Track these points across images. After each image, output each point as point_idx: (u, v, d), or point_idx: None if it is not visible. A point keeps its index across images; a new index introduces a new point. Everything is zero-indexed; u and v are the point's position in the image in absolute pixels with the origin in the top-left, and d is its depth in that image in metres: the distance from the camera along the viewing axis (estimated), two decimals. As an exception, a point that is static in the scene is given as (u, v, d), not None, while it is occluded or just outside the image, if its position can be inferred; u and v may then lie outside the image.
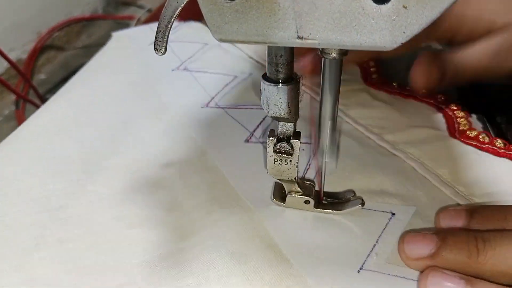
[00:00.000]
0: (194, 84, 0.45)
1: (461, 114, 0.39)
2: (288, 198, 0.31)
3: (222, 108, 0.42)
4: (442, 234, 0.27)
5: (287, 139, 0.28)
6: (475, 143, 0.36)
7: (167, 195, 0.33)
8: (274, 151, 0.28)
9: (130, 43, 0.53)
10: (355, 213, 0.30)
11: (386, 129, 0.38)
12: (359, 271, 0.27)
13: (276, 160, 0.28)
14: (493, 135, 0.39)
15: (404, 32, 0.19)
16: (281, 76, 0.24)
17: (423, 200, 0.32)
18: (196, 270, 0.28)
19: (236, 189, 0.33)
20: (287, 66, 0.24)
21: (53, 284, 0.28)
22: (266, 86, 0.25)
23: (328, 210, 0.31)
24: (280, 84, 0.25)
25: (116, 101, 0.43)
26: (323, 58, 0.24)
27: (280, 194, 0.32)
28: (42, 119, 0.42)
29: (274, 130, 0.28)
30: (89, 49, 0.63)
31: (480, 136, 0.36)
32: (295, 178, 0.29)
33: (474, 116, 0.41)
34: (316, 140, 0.28)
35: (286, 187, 0.31)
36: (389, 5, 0.19)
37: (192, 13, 0.58)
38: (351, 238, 0.29)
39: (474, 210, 0.29)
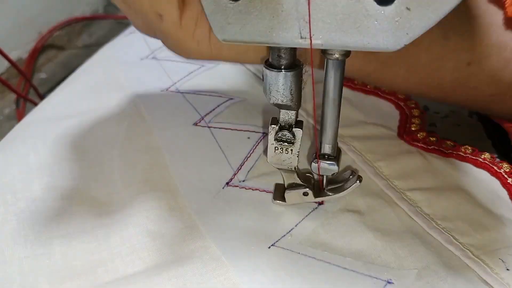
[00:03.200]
0: (159, 71, 0.46)
1: (417, 113, 0.40)
2: (286, 195, 0.30)
3: (181, 92, 0.42)
4: None
5: (288, 127, 0.27)
6: (420, 145, 0.36)
7: (105, 170, 0.34)
8: (275, 139, 0.27)
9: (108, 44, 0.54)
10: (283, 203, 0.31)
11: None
12: (269, 247, 0.28)
13: (277, 148, 0.28)
14: (492, 138, 0.39)
15: (407, 34, 0.19)
16: (283, 62, 0.24)
17: (354, 190, 0.32)
18: (113, 245, 0.29)
19: (171, 173, 0.33)
20: (290, 52, 0.24)
21: None
22: (268, 72, 0.24)
23: (328, 196, 0.30)
24: (283, 71, 0.24)
25: (92, 93, 0.43)
26: (325, 59, 0.24)
27: (280, 194, 0.31)
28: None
29: (276, 118, 0.27)
30: (90, 49, 0.63)
31: (428, 138, 0.37)
32: (295, 168, 0.29)
33: (475, 117, 0.41)
34: (317, 138, 0.28)
35: (286, 178, 0.30)
36: (392, 6, 0.19)
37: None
38: (271, 220, 0.30)
39: None
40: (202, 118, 0.38)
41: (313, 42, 0.20)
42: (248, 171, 0.34)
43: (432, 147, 0.36)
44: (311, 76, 0.24)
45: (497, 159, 0.34)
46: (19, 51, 0.60)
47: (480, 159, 0.34)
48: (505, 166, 0.33)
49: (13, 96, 0.55)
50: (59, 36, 0.66)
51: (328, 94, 0.25)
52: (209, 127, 0.37)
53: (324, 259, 0.28)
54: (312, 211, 0.31)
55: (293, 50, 0.24)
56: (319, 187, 0.31)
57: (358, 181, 0.29)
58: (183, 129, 0.37)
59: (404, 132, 0.38)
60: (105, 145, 0.36)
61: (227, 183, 0.33)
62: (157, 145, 0.36)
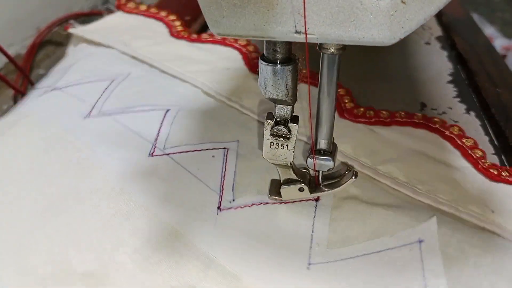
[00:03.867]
0: (69, 99, 0.40)
1: (344, 92, 0.41)
2: (282, 191, 0.30)
3: (109, 115, 0.37)
4: None
5: (284, 122, 0.27)
6: (363, 120, 0.38)
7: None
8: (271, 134, 0.27)
9: None
10: (287, 206, 0.31)
11: None
12: (308, 267, 0.27)
13: (272, 143, 0.28)
14: (491, 133, 0.39)
15: (402, 28, 0.19)
16: (279, 56, 0.23)
17: None
18: (106, 264, 0.28)
19: (157, 216, 0.30)
20: (285, 46, 0.23)
21: None
22: (263, 67, 0.24)
23: (323, 192, 0.30)
24: (279, 65, 0.24)
25: None
26: (321, 53, 0.24)
27: (276, 189, 0.31)
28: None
29: (272, 113, 0.27)
30: (88, 45, 0.63)
31: (367, 112, 0.38)
32: (290, 163, 0.29)
33: (472, 113, 0.41)
34: (312, 133, 0.28)
35: (281, 173, 0.30)
36: (387, 0, 0.19)
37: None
38: (287, 234, 0.29)
39: None
40: (155, 146, 0.34)
41: (308, 36, 0.20)
42: (233, 190, 0.32)
43: (374, 119, 0.38)
44: (307, 71, 0.24)
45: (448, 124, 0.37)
46: (17, 47, 0.60)
47: (432, 125, 0.37)
48: (455, 128, 0.36)
49: (11, 92, 0.55)
50: (57, 32, 0.66)
51: (323, 89, 0.25)
52: (167, 154, 0.34)
53: (358, 253, 0.28)
54: (315, 210, 0.30)
55: (288, 44, 0.23)
56: (315, 183, 0.31)
57: (353, 177, 0.29)
58: (141, 165, 0.33)
59: (344, 112, 0.39)
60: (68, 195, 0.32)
61: (219, 208, 0.31)
62: (123, 191, 0.31)
